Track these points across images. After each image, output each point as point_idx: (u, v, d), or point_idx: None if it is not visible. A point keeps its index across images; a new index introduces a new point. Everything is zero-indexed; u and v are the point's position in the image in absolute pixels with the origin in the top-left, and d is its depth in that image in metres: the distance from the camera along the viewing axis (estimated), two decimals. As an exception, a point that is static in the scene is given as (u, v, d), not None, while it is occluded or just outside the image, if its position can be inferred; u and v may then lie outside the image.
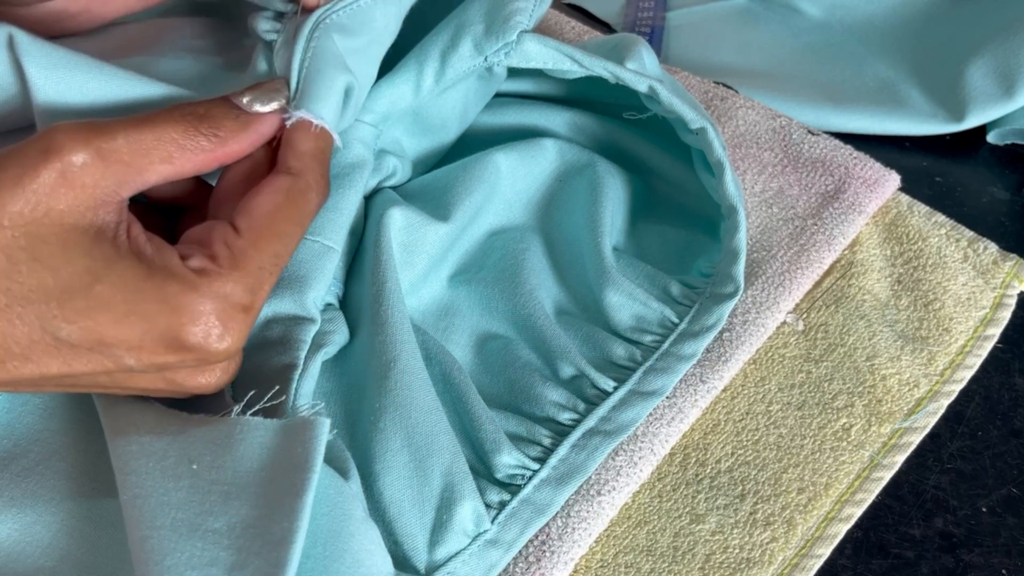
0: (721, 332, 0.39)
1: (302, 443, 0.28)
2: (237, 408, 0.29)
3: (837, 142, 0.46)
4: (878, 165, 0.45)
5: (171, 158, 0.27)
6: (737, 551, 0.35)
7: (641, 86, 0.39)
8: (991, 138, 0.50)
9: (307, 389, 0.33)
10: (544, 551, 0.34)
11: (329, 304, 0.38)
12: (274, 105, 0.29)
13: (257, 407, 0.30)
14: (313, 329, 0.35)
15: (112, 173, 0.26)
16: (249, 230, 0.28)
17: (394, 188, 0.43)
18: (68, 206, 0.25)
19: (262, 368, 0.33)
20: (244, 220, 0.28)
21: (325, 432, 0.29)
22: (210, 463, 0.28)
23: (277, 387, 0.31)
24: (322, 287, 0.35)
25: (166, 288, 0.26)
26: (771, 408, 0.39)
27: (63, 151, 0.25)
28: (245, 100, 0.29)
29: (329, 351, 0.36)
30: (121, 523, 0.28)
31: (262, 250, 0.28)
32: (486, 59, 0.38)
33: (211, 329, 0.26)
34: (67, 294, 0.25)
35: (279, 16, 0.34)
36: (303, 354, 0.34)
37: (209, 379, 0.29)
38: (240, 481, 0.27)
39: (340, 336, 0.37)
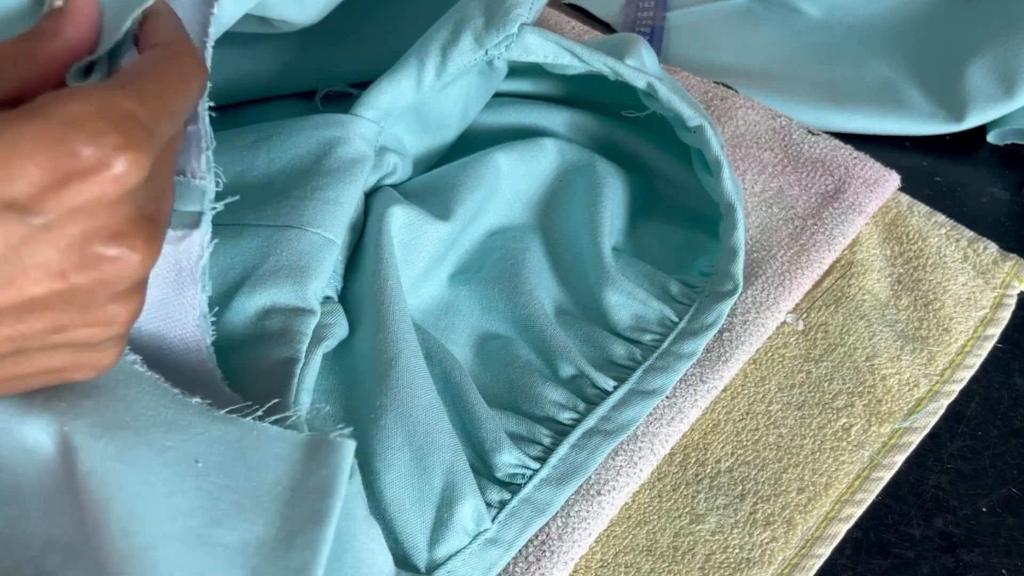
0: (721, 332, 0.39)
1: (327, 465, 0.27)
2: (252, 418, 0.28)
3: (837, 142, 0.46)
4: (878, 165, 0.45)
5: (14, 63, 0.26)
6: (737, 551, 0.35)
7: (640, 82, 0.39)
8: (991, 138, 0.50)
9: (308, 383, 0.33)
10: (544, 551, 0.34)
11: (328, 297, 0.38)
12: None
13: (262, 412, 0.29)
14: (313, 321, 0.35)
15: None
16: (120, 77, 0.25)
17: (394, 186, 0.43)
18: None
19: (262, 361, 0.33)
20: (112, 77, 0.25)
21: (351, 456, 0.27)
22: (217, 464, 0.27)
23: (277, 400, 0.30)
24: (322, 279, 0.35)
25: (33, 113, 0.22)
26: (771, 408, 0.39)
27: None
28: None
29: (329, 344, 0.36)
30: (104, 515, 0.27)
31: (138, 95, 0.25)
32: (487, 52, 0.38)
33: (100, 134, 0.23)
34: None
35: None
36: (304, 347, 0.33)
37: (132, 254, 0.25)
38: (254, 493, 0.26)
39: (340, 329, 0.37)
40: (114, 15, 0.29)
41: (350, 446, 0.27)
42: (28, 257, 0.23)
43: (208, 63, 0.30)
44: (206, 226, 0.31)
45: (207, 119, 0.31)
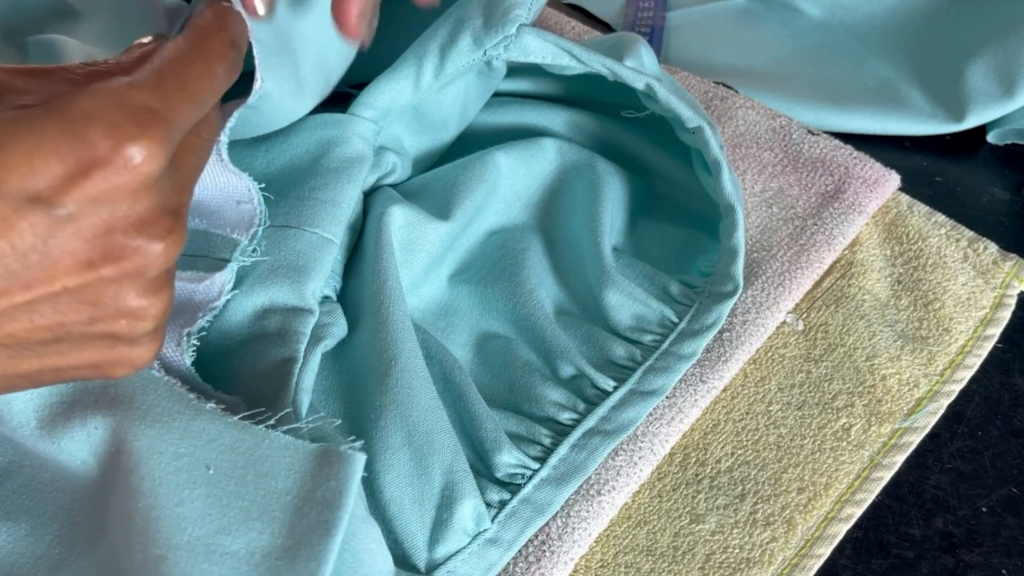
0: (721, 332, 0.39)
1: (336, 477, 0.27)
2: (264, 426, 0.28)
3: (837, 142, 0.46)
4: (878, 165, 0.45)
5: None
6: (737, 551, 0.35)
7: (638, 83, 0.39)
8: (991, 138, 0.50)
9: (307, 383, 0.33)
10: (544, 551, 0.34)
11: (327, 297, 0.38)
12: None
13: (275, 420, 0.29)
14: (312, 321, 0.35)
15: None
16: (139, 71, 0.26)
17: (393, 186, 0.43)
18: None
19: (260, 361, 0.33)
20: (131, 72, 0.26)
21: (360, 469, 0.27)
22: (228, 471, 0.27)
23: (288, 410, 0.30)
24: (321, 279, 0.35)
25: (53, 108, 0.23)
26: (771, 408, 0.39)
27: None
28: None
29: (328, 344, 0.36)
30: (115, 531, 0.28)
31: (155, 86, 0.25)
32: (485, 53, 0.38)
33: (115, 126, 0.23)
34: None
35: None
36: (303, 347, 0.33)
37: (157, 247, 0.25)
38: (262, 501, 0.26)
39: (339, 329, 0.37)
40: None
41: (360, 459, 0.28)
42: (56, 248, 0.24)
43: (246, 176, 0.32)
44: (230, 273, 0.33)
45: (261, 199, 0.33)
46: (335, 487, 0.27)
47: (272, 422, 0.29)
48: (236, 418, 0.28)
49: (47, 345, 0.26)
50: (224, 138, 0.31)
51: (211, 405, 0.29)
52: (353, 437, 0.29)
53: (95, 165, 0.23)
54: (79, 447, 0.29)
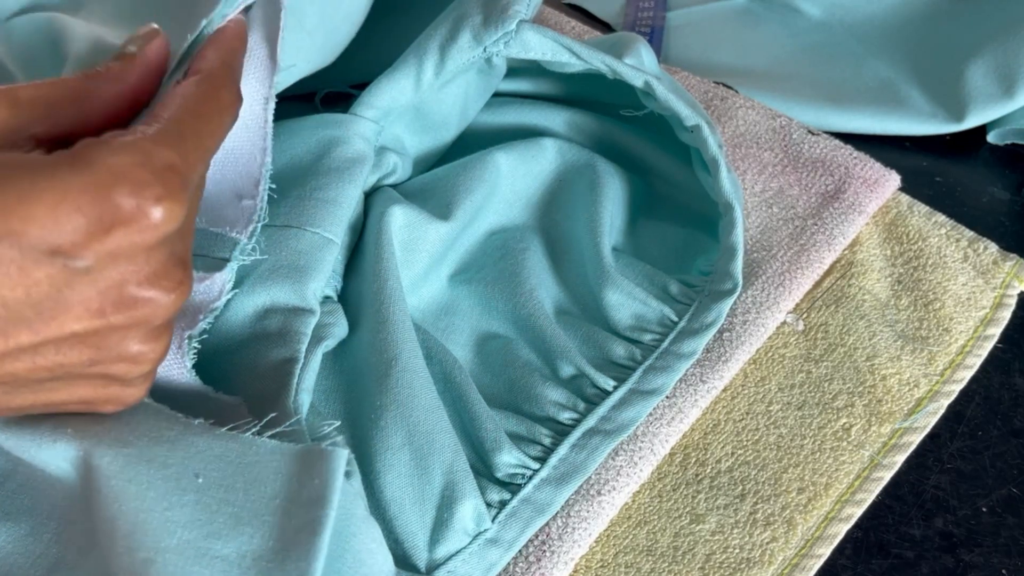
0: (721, 332, 0.39)
1: (319, 475, 0.27)
2: (252, 429, 0.29)
3: (837, 142, 0.46)
4: (878, 165, 0.45)
5: (75, 101, 0.27)
6: (737, 551, 0.35)
7: (637, 81, 0.39)
8: (991, 138, 0.50)
9: (308, 384, 0.33)
10: (544, 551, 0.34)
11: (327, 297, 0.38)
12: (142, 43, 0.29)
13: (263, 424, 0.29)
14: (312, 321, 0.35)
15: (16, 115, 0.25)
16: (160, 123, 0.26)
17: (394, 186, 0.43)
18: None
19: (261, 361, 0.33)
20: (150, 123, 0.26)
21: (343, 465, 0.28)
22: (218, 480, 0.27)
23: (274, 415, 0.30)
24: (321, 279, 0.35)
25: (77, 161, 0.24)
26: (771, 408, 0.39)
27: None
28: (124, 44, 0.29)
29: (329, 344, 0.36)
30: (101, 534, 0.27)
31: (176, 143, 0.26)
32: (485, 50, 0.38)
33: (141, 186, 0.24)
34: None
35: None
36: (303, 347, 0.33)
37: (166, 301, 0.26)
38: (252, 506, 0.27)
39: (339, 329, 0.37)
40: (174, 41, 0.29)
41: (342, 455, 0.28)
42: (71, 296, 0.24)
43: (270, 158, 0.32)
44: (229, 272, 0.33)
45: (265, 197, 0.33)
46: (319, 485, 0.27)
47: (256, 429, 0.29)
48: (224, 430, 0.29)
49: (44, 383, 0.26)
50: (271, 105, 0.32)
51: (199, 421, 0.29)
52: (338, 428, 0.30)
53: (118, 223, 0.24)
54: (60, 454, 0.29)
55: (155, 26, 0.30)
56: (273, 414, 0.30)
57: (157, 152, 0.25)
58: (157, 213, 0.24)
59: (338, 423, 0.33)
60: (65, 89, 0.26)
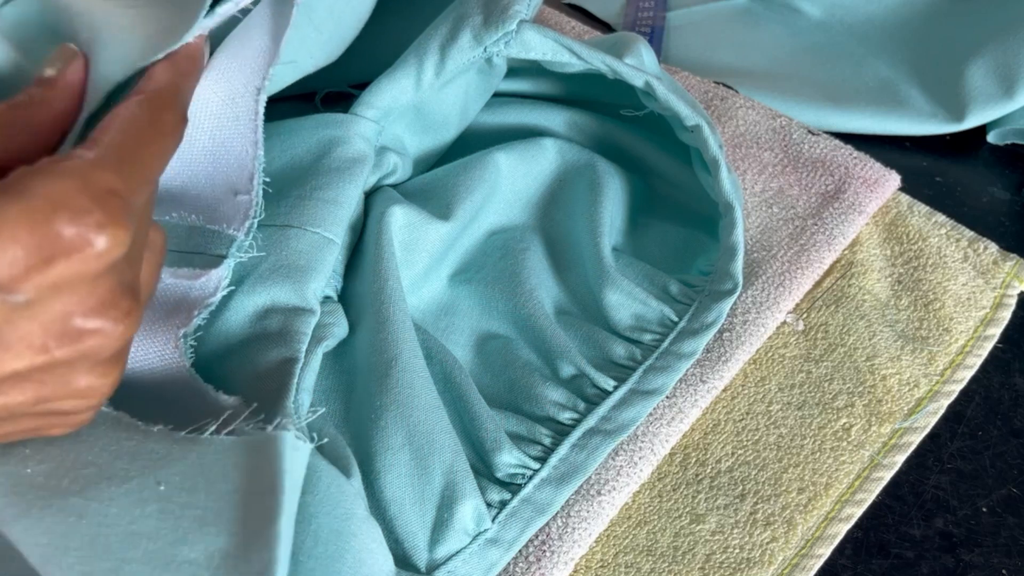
0: (721, 332, 0.39)
1: (268, 462, 0.27)
2: (210, 429, 0.28)
3: (837, 142, 0.46)
4: (878, 165, 0.45)
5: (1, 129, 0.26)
6: (737, 551, 0.35)
7: (638, 81, 0.39)
8: (991, 138, 0.50)
9: (308, 383, 0.33)
10: (544, 551, 0.34)
11: (328, 297, 0.38)
12: (60, 65, 0.28)
13: (249, 418, 0.29)
14: (313, 321, 0.35)
15: None
16: (99, 147, 0.25)
17: (394, 186, 0.43)
18: None
19: (261, 360, 0.33)
20: (90, 147, 0.25)
21: (288, 449, 0.27)
22: (179, 484, 0.27)
23: (229, 411, 0.30)
24: (322, 279, 0.35)
25: (11, 190, 0.22)
26: (771, 408, 0.39)
27: None
28: (42, 68, 0.28)
29: (329, 344, 0.36)
30: (63, 539, 0.27)
31: (116, 166, 0.25)
32: (485, 50, 0.38)
33: (81, 212, 0.22)
34: None
35: None
36: (304, 347, 0.33)
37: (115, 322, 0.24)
38: (214, 505, 0.26)
39: (340, 329, 0.37)
40: (106, 69, 0.29)
41: (284, 439, 0.27)
42: (10, 333, 0.23)
43: (261, 151, 0.32)
44: (226, 269, 0.32)
45: (260, 192, 0.32)
46: (270, 473, 0.26)
47: (214, 427, 0.28)
48: (183, 433, 0.28)
49: None
50: (263, 97, 0.31)
51: (159, 427, 0.28)
52: (321, 409, 0.29)
53: (59, 253, 0.22)
54: (3, 469, 0.28)
55: (72, 46, 0.29)
56: (229, 412, 0.30)
57: (97, 176, 0.23)
58: (100, 241, 0.23)
59: (322, 410, 0.32)
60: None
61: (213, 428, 0.28)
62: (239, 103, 0.32)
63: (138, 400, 0.30)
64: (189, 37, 0.29)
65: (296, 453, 0.27)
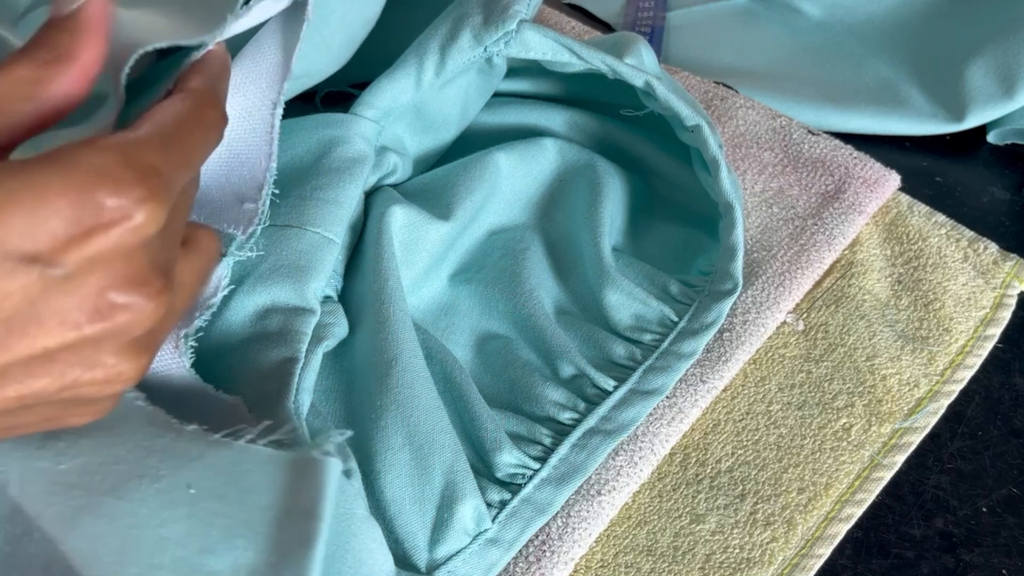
0: (721, 332, 0.39)
1: (312, 485, 0.26)
2: (247, 436, 0.28)
3: (837, 142, 0.46)
4: (878, 165, 0.45)
5: (30, 95, 0.25)
6: (737, 551, 0.35)
7: (638, 81, 0.39)
8: (991, 138, 0.50)
9: (308, 383, 0.33)
10: (544, 551, 0.34)
11: (328, 297, 0.38)
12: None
13: (261, 430, 0.28)
14: (313, 321, 0.35)
15: None
16: (142, 128, 0.25)
17: (394, 186, 0.43)
18: None
19: (261, 360, 0.33)
20: (134, 128, 0.25)
21: (336, 476, 0.27)
22: (210, 490, 0.26)
23: (268, 422, 0.29)
24: (322, 279, 0.35)
25: (57, 161, 0.22)
26: (771, 408, 0.39)
27: None
28: (60, 7, 0.27)
29: (329, 344, 0.36)
30: (94, 553, 0.27)
31: (160, 148, 0.25)
32: (486, 50, 0.38)
33: (124, 185, 0.22)
34: None
35: None
36: (304, 347, 0.33)
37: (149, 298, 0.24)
38: (245, 517, 0.26)
39: (340, 329, 0.37)
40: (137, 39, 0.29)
41: (335, 466, 0.27)
42: (45, 309, 0.22)
43: (275, 163, 0.32)
44: (226, 268, 0.32)
45: (267, 201, 0.32)
46: (312, 496, 0.26)
47: (252, 436, 0.28)
48: (217, 436, 0.28)
49: (9, 412, 0.24)
50: (279, 111, 0.32)
51: (193, 427, 0.28)
52: (335, 446, 0.29)
53: (100, 225, 0.22)
54: (36, 463, 0.28)
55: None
56: (269, 421, 0.30)
57: (139, 153, 0.23)
58: (140, 215, 0.23)
59: (350, 433, 0.32)
60: (14, 84, 0.25)
61: (251, 436, 0.28)
62: (255, 116, 0.32)
63: None
64: (219, 37, 0.29)
65: (336, 483, 0.27)
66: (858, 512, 0.36)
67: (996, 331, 0.41)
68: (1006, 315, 0.41)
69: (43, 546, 0.28)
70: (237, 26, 0.30)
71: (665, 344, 0.39)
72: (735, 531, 0.36)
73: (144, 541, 0.26)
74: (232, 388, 0.32)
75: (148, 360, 0.26)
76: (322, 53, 0.37)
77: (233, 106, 0.32)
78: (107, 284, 0.23)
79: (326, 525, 0.26)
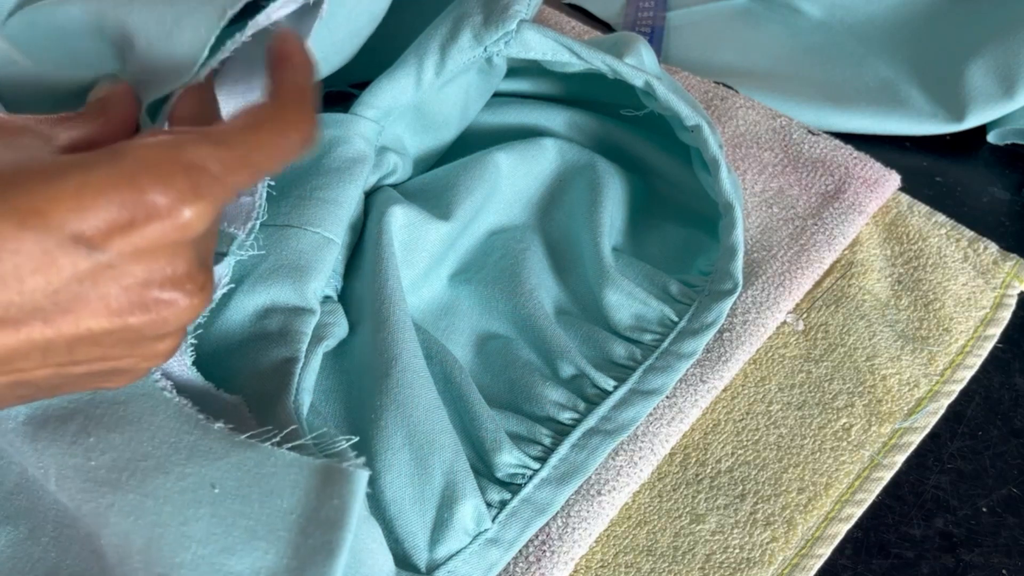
0: (721, 332, 0.39)
1: (339, 496, 0.26)
2: (272, 439, 0.28)
3: (837, 142, 0.46)
4: (878, 165, 0.45)
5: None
6: (737, 551, 0.35)
7: (638, 81, 0.39)
8: (991, 138, 0.50)
9: (308, 383, 0.33)
10: (544, 551, 0.34)
11: (328, 297, 0.38)
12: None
13: (282, 436, 0.29)
14: (313, 321, 0.35)
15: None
16: (202, 131, 0.25)
17: (394, 186, 0.43)
18: None
19: (262, 360, 0.33)
20: (194, 128, 0.26)
21: (363, 487, 0.27)
22: (234, 490, 0.27)
23: (295, 426, 0.30)
24: (322, 279, 0.35)
25: (109, 152, 0.23)
26: (771, 408, 0.39)
27: None
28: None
29: (329, 344, 0.36)
30: (125, 547, 0.27)
31: (217, 147, 0.25)
32: (486, 50, 0.38)
33: (172, 182, 0.23)
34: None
35: None
36: (304, 347, 0.33)
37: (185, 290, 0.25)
38: (267, 519, 0.26)
39: (340, 329, 0.37)
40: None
41: (363, 476, 0.27)
42: (91, 290, 0.23)
43: None
44: (227, 267, 0.32)
45: (264, 195, 0.32)
46: (338, 506, 0.26)
47: (278, 439, 0.28)
48: (243, 436, 0.28)
49: (48, 380, 0.25)
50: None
51: (219, 425, 0.28)
52: (356, 451, 0.29)
53: (147, 218, 0.23)
54: (70, 460, 0.28)
55: (114, 76, 0.30)
56: (294, 426, 0.30)
57: (191, 148, 0.24)
58: (188, 212, 0.23)
59: (356, 439, 0.32)
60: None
61: (277, 439, 0.28)
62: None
63: None
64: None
65: (363, 494, 0.27)
66: (858, 512, 0.36)
67: (996, 331, 0.41)
68: (1006, 315, 0.41)
69: (49, 551, 0.28)
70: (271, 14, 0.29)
71: (665, 344, 0.39)
72: (735, 531, 0.36)
73: (167, 539, 0.26)
74: (232, 388, 0.32)
75: (181, 339, 0.27)
76: (326, 47, 0.37)
77: (235, 99, 0.32)
78: (152, 277, 0.24)
79: (351, 535, 0.26)
